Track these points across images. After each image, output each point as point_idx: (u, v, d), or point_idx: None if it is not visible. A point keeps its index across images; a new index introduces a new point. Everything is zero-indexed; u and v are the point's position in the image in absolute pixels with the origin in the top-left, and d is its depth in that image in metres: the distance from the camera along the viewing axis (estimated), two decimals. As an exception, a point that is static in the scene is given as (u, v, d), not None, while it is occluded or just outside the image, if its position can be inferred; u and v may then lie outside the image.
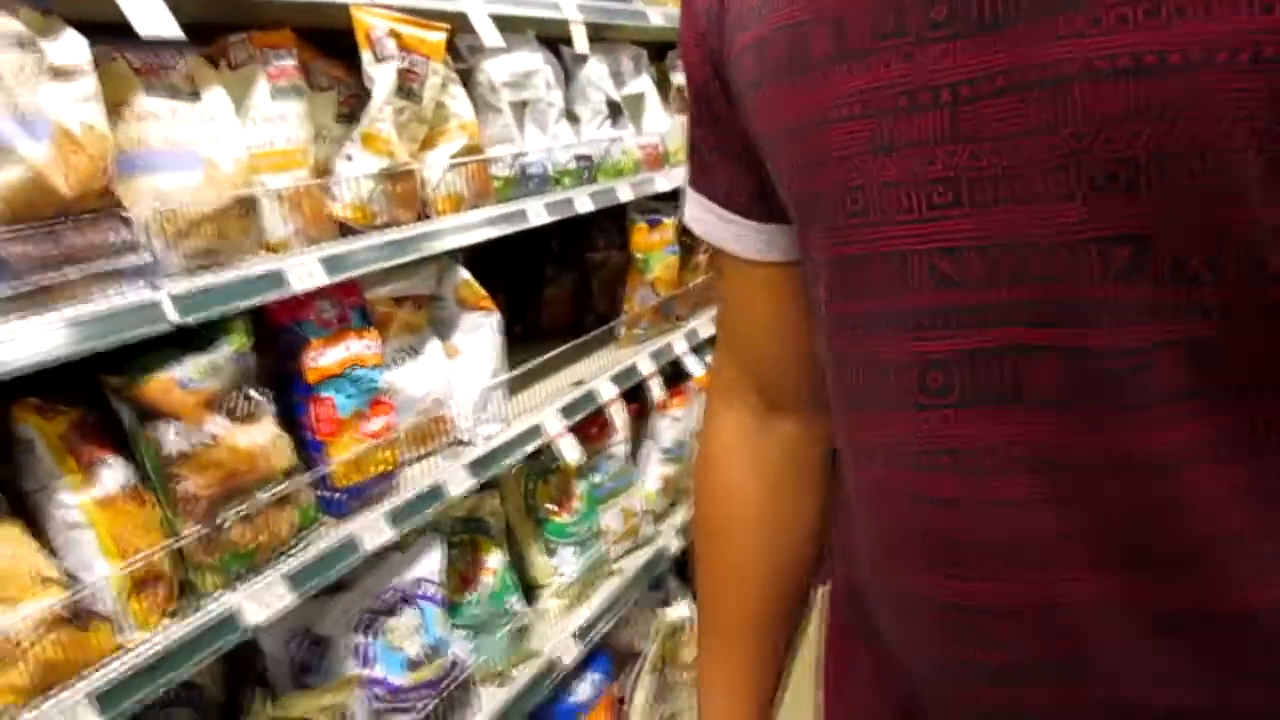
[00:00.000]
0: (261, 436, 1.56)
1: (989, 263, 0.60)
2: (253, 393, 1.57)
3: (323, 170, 1.85)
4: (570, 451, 2.27)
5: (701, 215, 0.85)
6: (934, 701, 0.75)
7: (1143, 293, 0.56)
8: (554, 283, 3.10)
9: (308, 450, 1.74)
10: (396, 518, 1.79)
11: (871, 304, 0.67)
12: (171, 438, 1.44)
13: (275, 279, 1.59)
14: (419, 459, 1.98)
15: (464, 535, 2.15)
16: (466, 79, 2.20)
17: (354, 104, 1.90)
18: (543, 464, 2.37)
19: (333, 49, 1.89)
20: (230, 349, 1.53)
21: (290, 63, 1.72)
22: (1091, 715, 0.67)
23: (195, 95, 1.58)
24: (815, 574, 0.95)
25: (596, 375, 2.48)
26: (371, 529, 1.75)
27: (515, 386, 2.31)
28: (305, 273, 1.65)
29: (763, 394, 0.90)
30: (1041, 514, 0.62)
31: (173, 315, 1.42)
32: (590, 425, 2.52)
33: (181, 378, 1.46)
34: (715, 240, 0.85)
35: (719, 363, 0.95)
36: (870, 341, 0.68)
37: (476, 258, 2.89)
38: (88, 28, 1.39)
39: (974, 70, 0.57)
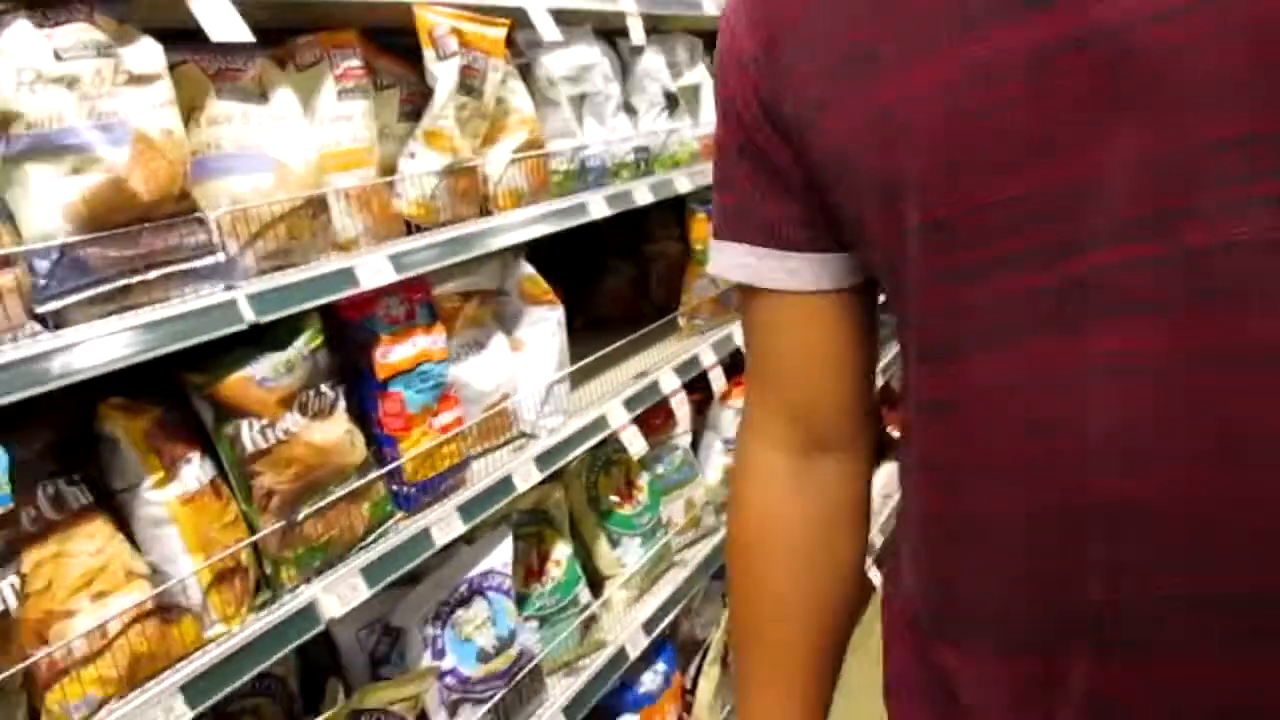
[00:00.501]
0: (335, 432, 1.59)
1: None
2: (326, 389, 1.59)
3: (386, 168, 1.87)
4: (635, 443, 2.28)
5: (742, 261, 0.86)
6: None
7: None
8: (612, 274, 3.12)
9: (379, 445, 1.76)
10: (467, 511, 1.82)
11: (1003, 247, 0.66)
12: (249, 434, 1.47)
13: (346, 277, 1.61)
14: (486, 452, 2.00)
15: (530, 528, 2.17)
16: (525, 73, 2.21)
17: (416, 101, 1.92)
18: (605, 455, 2.38)
19: (393, 47, 1.91)
20: (304, 346, 1.55)
21: (356, 63, 1.73)
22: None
23: (264, 97, 1.60)
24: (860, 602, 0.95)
25: (659, 366, 2.49)
26: (443, 522, 1.77)
27: (579, 379, 2.33)
28: (374, 270, 1.67)
29: (806, 432, 0.89)
30: None
31: (249, 314, 1.45)
32: (653, 416, 2.52)
33: (259, 375, 1.48)
34: (763, 282, 0.85)
35: (751, 404, 0.94)
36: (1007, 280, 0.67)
37: (535, 251, 2.92)
38: (158, 34, 1.42)
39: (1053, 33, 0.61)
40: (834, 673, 0.95)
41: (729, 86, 0.82)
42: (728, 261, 0.87)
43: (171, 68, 1.50)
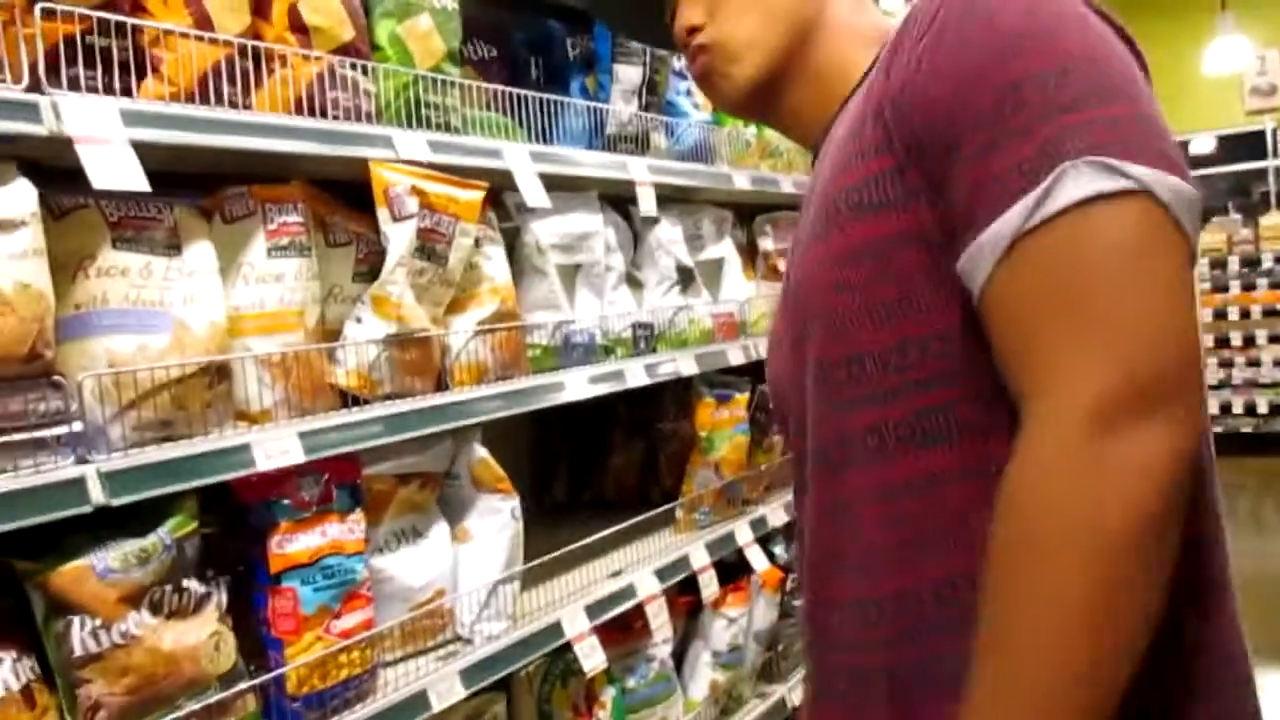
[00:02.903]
0: (195, 636, 1.37)
1: None
2: (191, 584, 1.38)
3: (332, 332, 1.70)
4: (592, 656, 2.00)
5: None
6: None
7: None
8: (621, 452, 2.89)
9: (266, 648, 1.54)
10: (360, 733, 1.56)
11: None
12: (79, 635, 1.26)
13: (236, 455, 1.42)
14: (408, 659, 1.76)
15: (459, 745, 1.89)
16: (514, 238, 2.05)
17: (374, 261, 1.76)
18: (564, 664, 2.11)
19: (360, 201, 1.76)
20: (169, 534, 1.35)
21: (295, 218, 1.59)
22: None
23: (177, 250, 1.45)
24: None
25: (638, 565, 2.23)
26: (328, 745, 1.52)
27: (542, 575, 2.08)
28: (277, 449, 1.47)
29: None
30: None
31: (98, 495, 1.25)
32: (631, 620, 2.26)
33: (100, 566, 1.28)
34: None
35: None
36: None
37: (542, 421, 2.73)
38: (68, 174, 1.29)
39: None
40: None
41: None
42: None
43: (68, 211, 1.37)
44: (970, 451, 0.80)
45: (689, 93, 2.52)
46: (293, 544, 1.53)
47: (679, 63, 2.53)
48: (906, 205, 0.79)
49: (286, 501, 1.54)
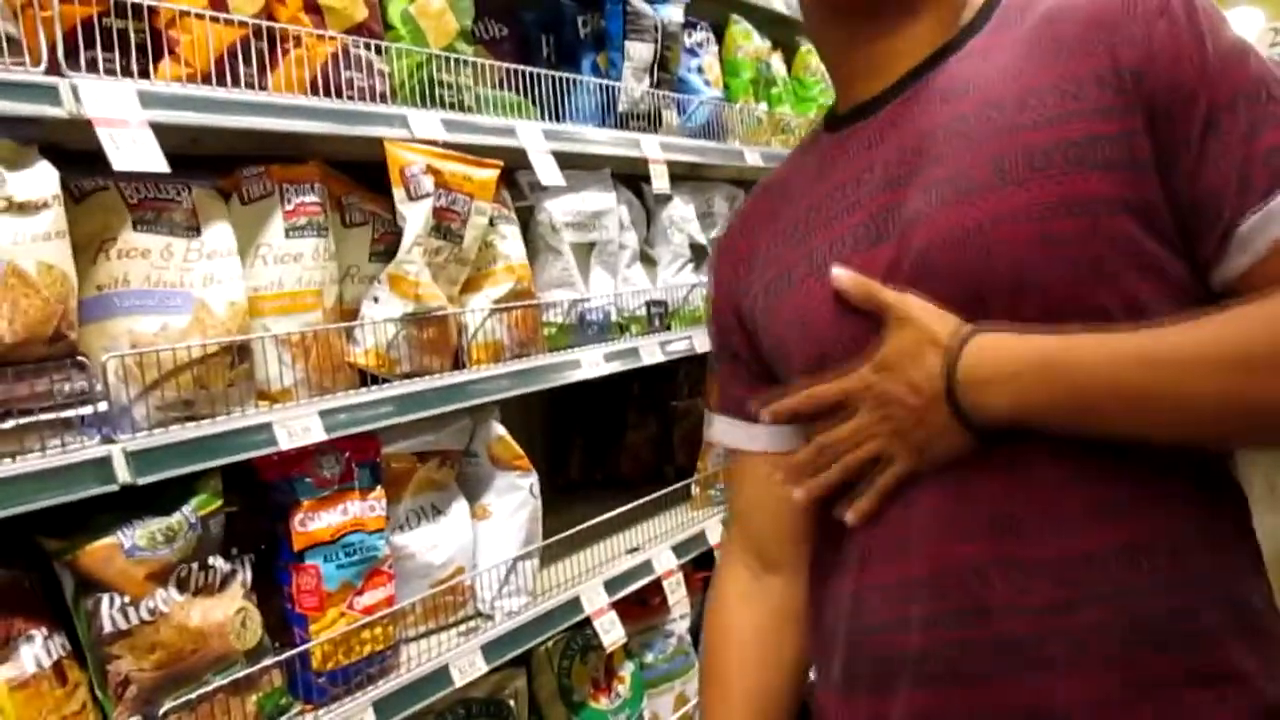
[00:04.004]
0: (221, 612, 1.39)
1: None
2: (217, 561, 1.40)
3: (349, 312, 1.71)
4: (611, 631, 2.02)
5: (728, 429, 1.11)
6: None
7: None
8: (636, 429, 2.90)
9: (290, 624, 1.56)
10: (384, 707, 1.58)
11: None
12: (108, 612, 1.28)
13: (260, 434, 1.44)
14: (430, 634, 1.77)
15: (481, 720, 1.91)
16: (528, 217, 2.06)
17: (391, 241, 1.76)
18: (584, 639, 2.13)
19: (376, 182, 1.77)
20: (193, 512, 1.37)
21: (312, 198, 1.59)
22: None
23: (197, 231, 1.46)
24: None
25: (656, 541, 2.24)
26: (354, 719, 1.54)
27: (560, 552, 2.10)
28: (299, 428, 1.49)
29: (759, 556, 1.11)
30: None
31: (123, 474, 1.27)
32: (649, 596, 2.27)
33: (128, 544, 1.30)
34: (737, 445, 1.10)
35: (729, 531, 1.18)
36: None
37: (556, 399, 2.74)
38: (88, 156, 1.30)
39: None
40: None
41: (718, 298, 1.10)
42: (717, 430, 1.13)
43: (89, 194, 1.38)
44: None
45: (700, 70, 2.51)
46: (315, 522, 1.55)
47: (690, 39, 2.52)
48: (1130, 171, 0.80)
49: (308, 480, 1.56)
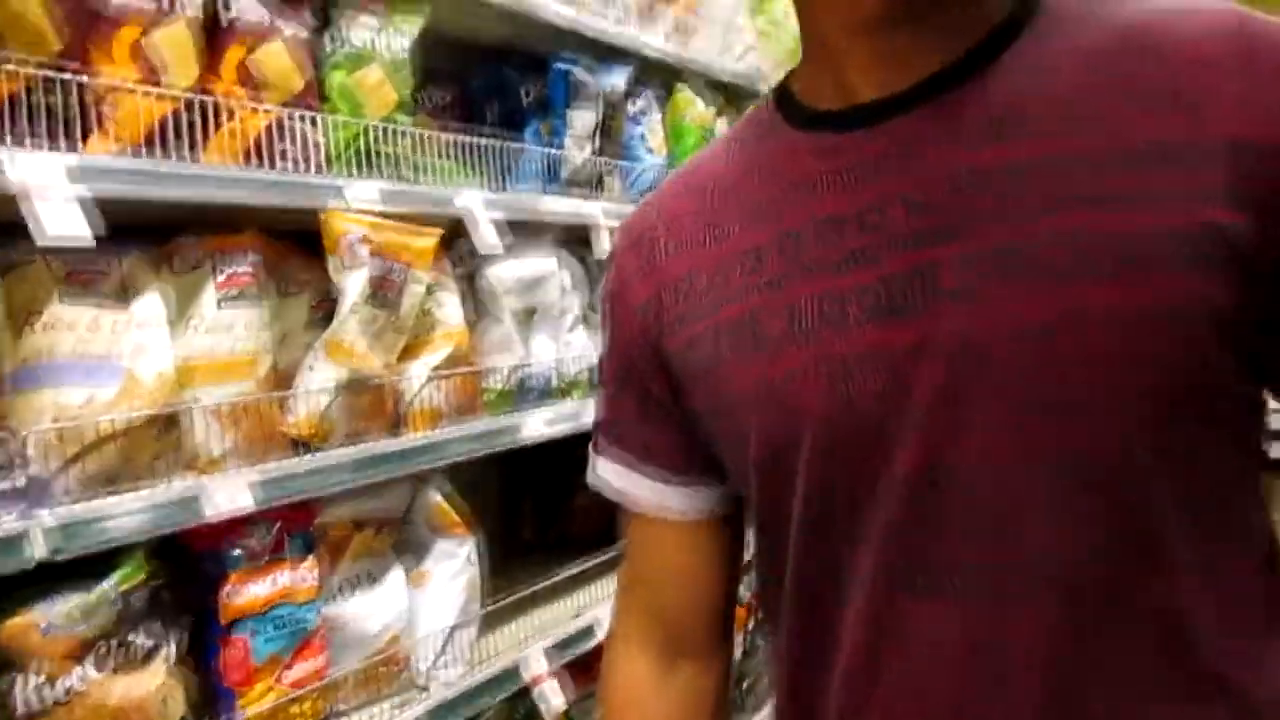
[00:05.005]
0: (142, 689, 1.36)
1: None
2: (138, 637, 1.38)
3: (287, 380, 1.71)
4: (554, 698, 2.00)
5: (622, 477, 0.92)
6: None
7: None
8: (585, 490, 2.87)
9: (219, 699, 1.53)
10: (313, 783, 1.56)
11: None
12: (23, 692, 1.26)
13: (185, 506, 1.42)
14: (363, 706, 1.75)
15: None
16: (469, 282, 2.07)
17: (328, 308, 1.77)
18: (527, 706, 2.10)
19: (315, 249, 1.78)
20: (114, 587, 1.35)
21: (246, 267, 1.60)
22: None
23: (125, 302, 1.46)
24: None
25: (603, 603, 2.23)
26: (280, 796, 1.51)
27: (505, 617, 2.08)
28: (227, 498, 1.48)
29: (668, 638, 0.94)
30: None
31: (40, 550, 1.25)
32: (595, 660, 2.25)
33: (45, 621, 1.28)
34: (639, 501, 0.91)
35: (621, 612, 0.99)
36: None
37: (508, 461, 2.73)
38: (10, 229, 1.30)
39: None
40: None
41: (619, 324, 0.88)
42: (604, 472, 0.94)
43: (16, 266, 1.38)
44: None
45: (644, 136, 2.55)
46: (243, 593, 1.53)
47: (634, 106, 2.57)
48: (1221, 270, 0.62)
49: (238, 550, 1.54)
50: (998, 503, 0.67)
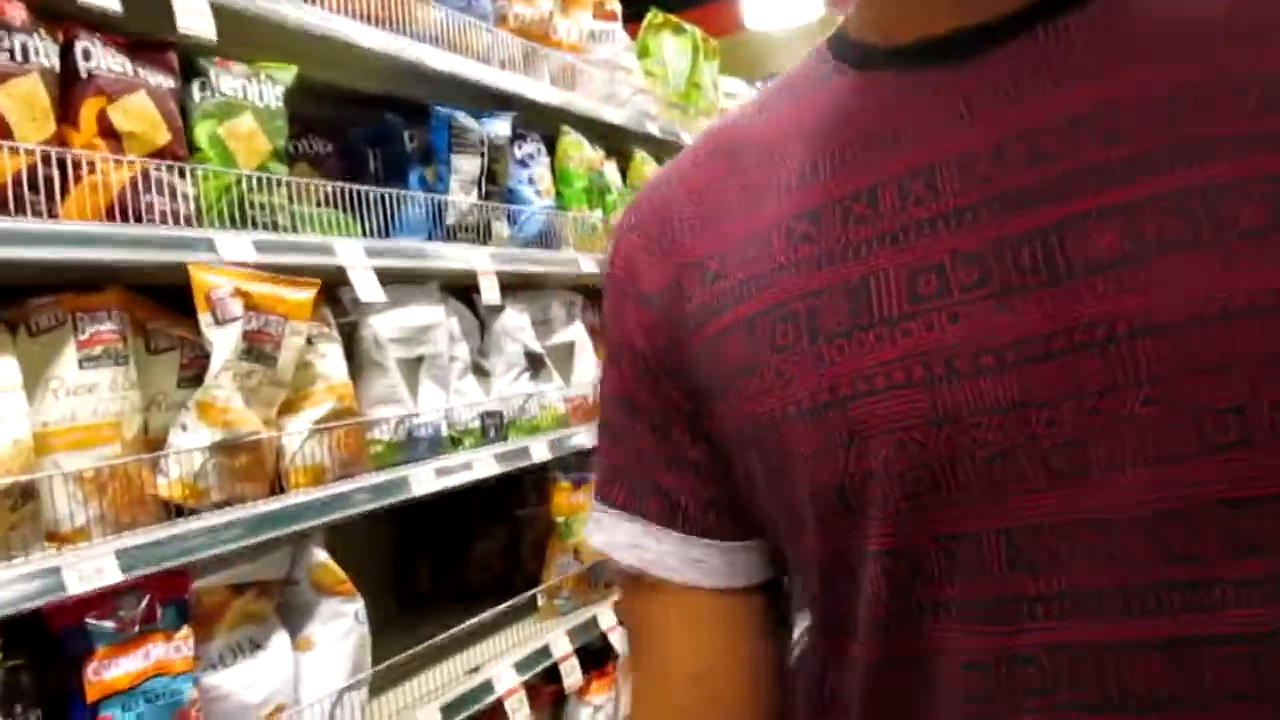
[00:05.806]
0: (-2, 780, 1.28)
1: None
2: (-7, 724, 1.30)
3: (157, 442, 1.64)
4: (450, 759, 1.95)
5: (639, 540, 0.68)
6: None
7: None
8: (483, 539, 2.84)
9: (85, 783, 1.45)
10: None
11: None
12: None
13: (44, 580, 1.35)
14: (247, 780, 1.67)
15: None
16: (353, 333, 2.02)
17: (200, 366, 1.70)
18: (424, 768, 2.04)
19: (185, 305, 1.72)
20: (-36, 672, 1.27)
21: (110, 326, 1.53)
22: None
23: (-25, 367, 1.39)
24: None
25: (496, 658, 2.19)
26: None
27: (397, 676, 2.02)
28: (91, 569, 1.40)
29: None
30: None
31: (-121, 637, 1.17)
32: (493, 716, 2.20)
33: (-116, 714, 1.19)
34: (659, 571, 0.67)
35: (648, 702, 0.71)
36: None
37: (402, 513, 2.67)
38: None
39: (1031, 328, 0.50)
40: None
41: (624, 325, 0.67)
42: (613, 540, 0.69)
43: None
44: None
45: (531, 180, 2.55)
46: (112, 669, 1.45)
47: (520, 151, 2.56)
48: None
49: (105, 624, 1.46)
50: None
